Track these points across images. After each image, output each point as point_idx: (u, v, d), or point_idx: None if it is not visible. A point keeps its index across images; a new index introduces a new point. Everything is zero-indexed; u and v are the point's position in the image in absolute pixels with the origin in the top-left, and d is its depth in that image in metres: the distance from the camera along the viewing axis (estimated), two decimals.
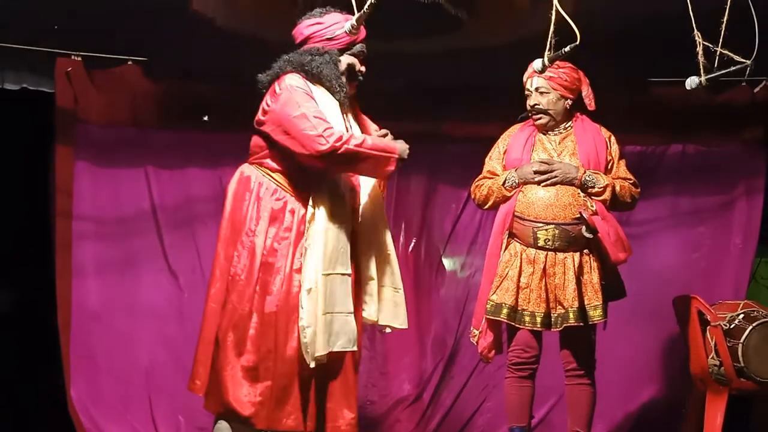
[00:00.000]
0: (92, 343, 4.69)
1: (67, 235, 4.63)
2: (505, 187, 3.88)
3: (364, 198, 3.50)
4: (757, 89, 4.87)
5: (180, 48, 4.57)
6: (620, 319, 4.73)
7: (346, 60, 3.45)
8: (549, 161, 3.83)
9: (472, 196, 4.08)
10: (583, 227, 3.77)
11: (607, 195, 3.82)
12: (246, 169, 3.45)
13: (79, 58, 4.56)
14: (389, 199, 3.65)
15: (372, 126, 3.60)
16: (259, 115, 3.42)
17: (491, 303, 3.85)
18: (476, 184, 4.04)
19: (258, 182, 3.38)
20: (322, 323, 3.24)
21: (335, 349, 3.27)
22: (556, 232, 3.79)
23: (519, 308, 3.81)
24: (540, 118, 3.90)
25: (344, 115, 3.47)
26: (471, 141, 4.66)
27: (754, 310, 4.21)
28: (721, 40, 3.15)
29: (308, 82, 3.37)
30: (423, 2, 4.07)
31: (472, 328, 4.00)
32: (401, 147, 3.41)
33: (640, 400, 4.97)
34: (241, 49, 4.49)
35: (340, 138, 3.25)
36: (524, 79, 3.92)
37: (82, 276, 4.68)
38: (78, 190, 4.68)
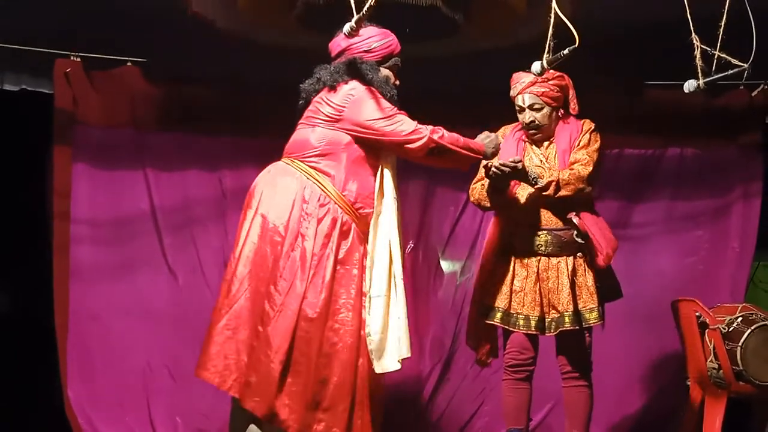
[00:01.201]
0: (91, 345, 4.69)
1: (65, 236, 4.62)
2: (494, 192, 3.85)
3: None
4: (754, 93, 4.88)
5: (179, 50, 4.57)
6: (618, 323, 4.73)
7: (383, 72, 3.50)
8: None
9: (472, 199, 4.06)
10: (574, 232, 3.77)
11: (551, 191, 3.75)
12: (284, 168, 3.45)
13: (78, 59, 4.56)
14: None
15: None
16: (325, 113, 3.43)
17: (485, 306, 3.88)
18: (472, 186, 4.03)
19: (302, 185, 3.39)
20: (405, 325, 3.37)
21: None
22: (549, 237, 3.80)
23: (512, 312, 3.82)
24: (536, 134, 3.89)
25: None
26: None
27: (752, 314, 4.21)
28: (719, 44, 3.16)
29: None
30: (420, 5, 4.07)
31: (467, 333, 4.03)
32: (488, 145, 3.55)
33: (638, 403, 4.97)
34: (240, 52, 4.50)
35: (435, 131, 3.40)
36: (512, 95, 3.89)
37: (81, 277, 4.68)
38: (76, 191, 4.68)
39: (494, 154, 3.61)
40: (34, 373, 4.68)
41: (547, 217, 3.81)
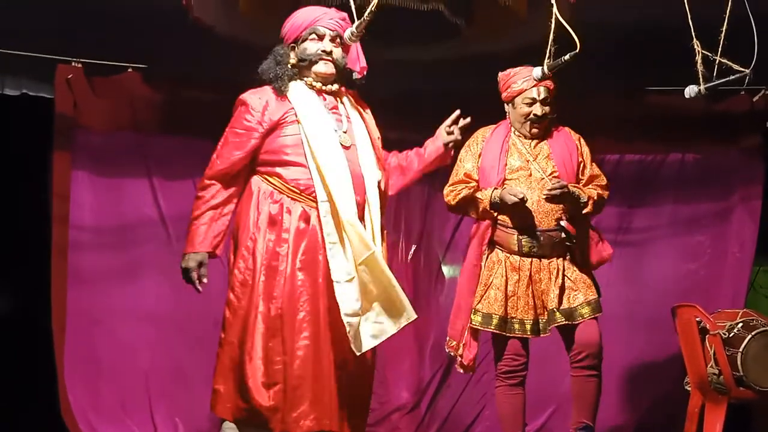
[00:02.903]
0: (93, 349, 4.69)
1: (63, 240, 4.62)
2: (490, 210, 3.83)
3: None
4: (755, 98, 4.87)
5: (180, 55, 4.58)
6: (619, 328, 4.73)
7: (297, 50, 3.47)
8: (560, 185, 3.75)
9: (446, 198, 3.99)
10: (563, 234, 3.78)
11: (590, 208, 3.81)
12: (252, 180, 3.50)
13: (80, 65, 4.56)
14: (389, 206, 3.66)
15: (375, 132, 3.60)
16: None
17: (480, 314, 3.83)
18: (452, 188, 3.96)
19: (257, 187, 3.41)
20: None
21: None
22: (541, 238, 3.80)
23: (508, 317, 3.80)
24: (540, 127, 3.90)
25: (338, 107, 3.50)
26: None
27: (753, 319, 4.21)
28: (720, 49, 3.16)
29: (267, 91, 3.46)
30: (422, 10, 4.08)
31: (449, 339, 3.95)
32: (183, 266, 3.43)
33: (639, 408, 4.97)
34: (242, 57, 4.50)
35: (205, 188, 3.41)
36: (524, 87, 3.87)
37: (83, 282, 4.68)
38: (78, 196, 4.68)
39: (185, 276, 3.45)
40: (35, 377, 4.67)
41: (539, 218, 3.80)
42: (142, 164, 4.84)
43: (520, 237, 3.81)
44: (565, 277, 3.80)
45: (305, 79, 3.47)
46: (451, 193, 3.96)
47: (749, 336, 4.09)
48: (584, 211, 3.81)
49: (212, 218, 3.40)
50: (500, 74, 3.93)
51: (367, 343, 3.30)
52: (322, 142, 3.36)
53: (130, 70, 4.68)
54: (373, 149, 3.51)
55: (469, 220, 5.11)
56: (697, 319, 4.25)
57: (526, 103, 3.88)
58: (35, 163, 4.80)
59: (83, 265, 4.71)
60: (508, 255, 3.84)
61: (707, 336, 4.21)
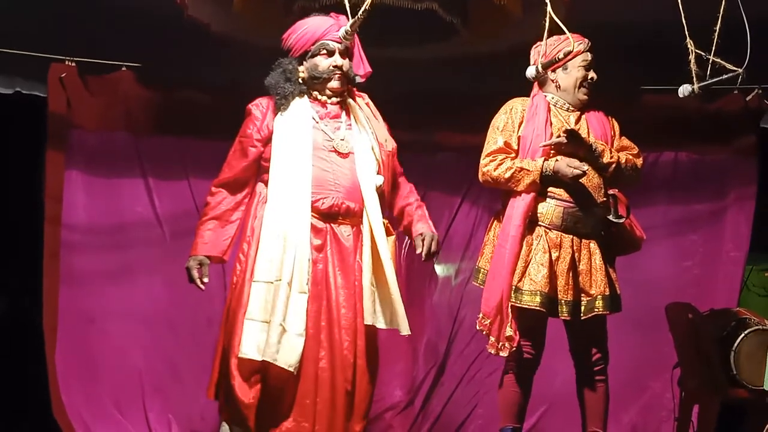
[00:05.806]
0: (85, 348, 4.68)
1: (56, 240, 4.60)
2: (539, 181, 3.59)
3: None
4: (749, 97, 4.88)
5: (174, 54, 4.57)
6: (612, 327, 4.73)
7: (307, 65, 3.48)
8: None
9: (484, 169, 3.69)
10: (612, 211, 3.64)
11: (610, 171, 3.66)
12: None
13: (73, 64, 4.55)
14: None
15: (384, 139, 3.60)
16: None
17: (523, 292, 3.57)
18: (492, 157, 3.66)
19: (259, 192, 3.48)
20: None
21: None
22: (588, 214, 3.62)
23: (551, 296, 3.56)
24: (590, 95, 3.73)
25: (340, 115, 3.51)
26: (463, 149, 4.67)
27: (746, 318, 4.22)
28: (713, 49, 3.18)
29: (269, 101, 3.52)
30: (417, 9, 4.08)
31: (482, 316, 3.63)
32: (186, 266, 3.50)
33: (631, 408, 4.96)
34: (237, 55, 4.51)
35: (211, 188, 3.54)
36: (581, 49, 3.63)
37: (76, 281, 4.66)
38: (69, 195, 4.66)
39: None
40: (28, 377, 4.67)
41: (590, 192, 3.62)
42: (136, 164, 4.82)
43: (567, 211, 3.61)
44: (605, 261, 3.66)
45: (315, 92, 3.48)
46: (491, 163, 3.65)
47: (742, 335, 4.11)
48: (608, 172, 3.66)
49: (216, 225, 3.49)
50: (547, 40, 3.47)
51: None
52: (285, 155, 3.41)
53: (124, 68, 4.68)
54: (373, 155, 3.53)
55: (461, 219, 5.14)
56: (691, 317, 4.26)
57: (584, 66, 3.67)
58: (28, 162, 4.80)
59: (77, 264, 4.68)
60: (548, 230, 3.62)
61: (700, 335, 4.22)
